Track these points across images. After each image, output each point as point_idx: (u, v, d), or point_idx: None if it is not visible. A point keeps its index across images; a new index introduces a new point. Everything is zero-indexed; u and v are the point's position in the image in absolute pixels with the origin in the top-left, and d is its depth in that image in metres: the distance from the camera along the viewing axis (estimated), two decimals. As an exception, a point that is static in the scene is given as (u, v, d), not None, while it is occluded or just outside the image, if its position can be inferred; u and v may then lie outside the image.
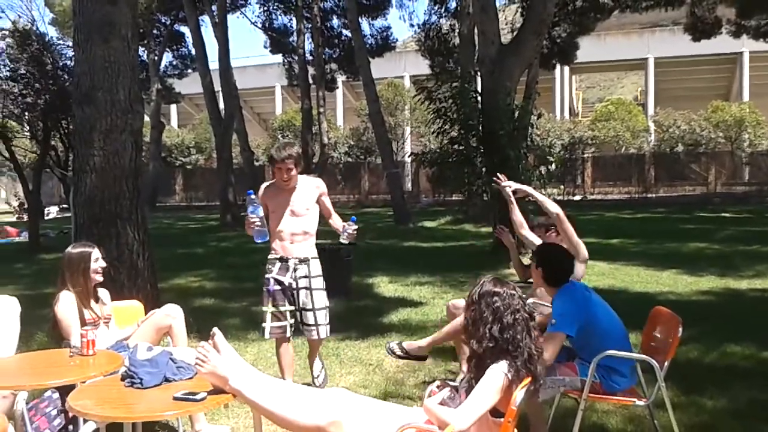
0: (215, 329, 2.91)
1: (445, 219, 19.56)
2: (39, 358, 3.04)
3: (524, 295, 2.73)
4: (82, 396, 2.45)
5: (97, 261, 3.90)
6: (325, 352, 5.62)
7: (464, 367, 3.02)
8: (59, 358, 2.86)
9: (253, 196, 4.15)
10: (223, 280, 9.94)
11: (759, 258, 10.61)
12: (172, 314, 3.93)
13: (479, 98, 11.29)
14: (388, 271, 9.92)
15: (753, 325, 6.23)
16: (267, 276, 4.33)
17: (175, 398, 2.35)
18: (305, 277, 4.32)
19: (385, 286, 8.88)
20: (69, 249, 3.91)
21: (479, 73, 12.05)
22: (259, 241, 4.18)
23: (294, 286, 4.30)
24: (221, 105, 20.59)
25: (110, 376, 2.74)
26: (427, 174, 27.42)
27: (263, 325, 4.35)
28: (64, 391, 3.67)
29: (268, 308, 4.32)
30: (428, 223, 18.42)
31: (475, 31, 16.29)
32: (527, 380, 2.52)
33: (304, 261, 4.33)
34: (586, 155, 30.70)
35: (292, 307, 4.35)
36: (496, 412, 2.50)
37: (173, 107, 43.14)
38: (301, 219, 4.31)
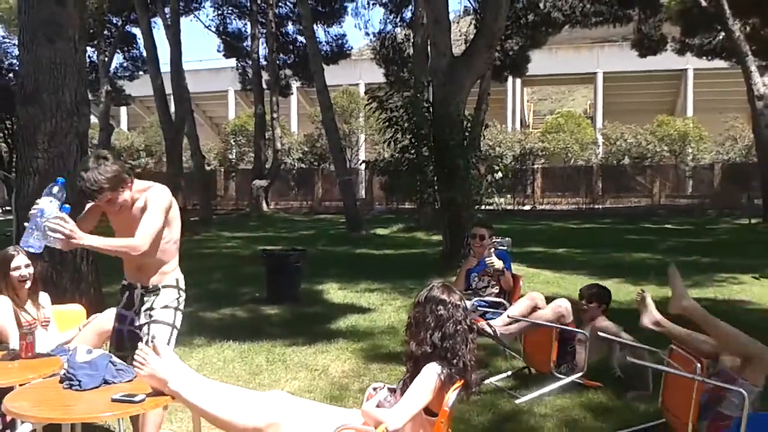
0: (154, 334, 2.94)
1: (398, 227, 19.67)
2: (-25, 361, 3.01)
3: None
4: (19, 398, 2.44)
5: (19, 269, 3.78)
6: (271, 358, 5.65)
7: None
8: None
9: (56, 189, 2.97)
10: (170, 285, 9.82)
11: (697, 269, 10.97)
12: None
13: (431, 108, 11.44)
14: (338, 277, 9.95)
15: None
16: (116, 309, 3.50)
17: (114, 400, 2.37)
18: (149, 309, 3.28)
19: (335, 292, 8.92)
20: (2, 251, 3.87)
21: (431, 84, 12.21)
22: (30, 249, 2.98)
23: (137, 322, 3.31)
24: (172, 108, 20.38)
25: (49, 379, 2.73)
26: (380, 182, 27.61)
27: None
28: (1, 394, 3.63)
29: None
30: (380, 231, 18.50)
31: (429, 41, 16.53)
32: (459, 383, 2.61)
33: (154, 291, 3.32)
34: (536, 166, 31.29)
35: None
36: (429, 411, 2.59)
37: (123, 109, 42.40)
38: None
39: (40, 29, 5.35)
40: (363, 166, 31.32)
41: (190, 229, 18.44)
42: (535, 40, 24.31)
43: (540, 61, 28.18)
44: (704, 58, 24.81)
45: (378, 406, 2.63)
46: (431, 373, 2.56)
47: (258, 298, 8.40)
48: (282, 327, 6.88)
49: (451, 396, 2.54)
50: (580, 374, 4.70)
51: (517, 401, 4.53)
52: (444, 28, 11.47)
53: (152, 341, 2.98)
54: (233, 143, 36.56)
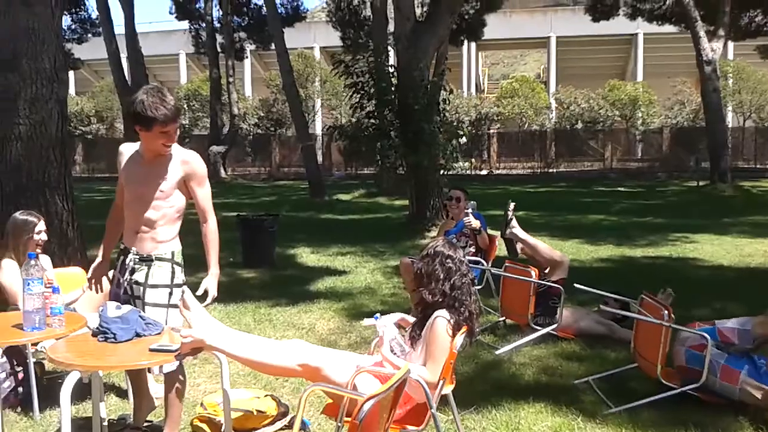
0: (184, 287, 3.10)
1: (359, 192, 19.87)
2: (-4, 320, 3.13)
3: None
4: (60, 350, 2.59)
5: (40, 234, 4.00)
6: (257, 318, 5.85)
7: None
8: (17, 320, 2.95)
9: (33, 262, 2.91)
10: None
11: (651, 228, 11.53)
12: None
13: (395, 73, 11.58)
14: (308, 242, 10.14)
15: (645, 287, 6.88)
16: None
17: (152, 350, 2.54)
18: (139, 284, 3.17)
19: (308, 256, 9.11)
20: (16, 215, 3.97)
21: (395, 49, 12.33)
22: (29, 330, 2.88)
23: (128, 292, 3.20)
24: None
25: (77, 334, 2.88)
26: (338, 147, 27.59)
27: None
28: (11, 354, 3.76)
29: None
30: (343, 196, 18.67)
31: (388, 4, 16.55)
32: (465, 328, 2.88)
33: (146, 261, 3.18)
34: (491, 131, 31.68)
35: None
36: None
37: (71, 74, 41.10)
38: (157, 203, 3.17)
39: (19, -6, 5.32)
40: (320, 132, 31.32)
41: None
42: (491, 3, 24.42)
43: (494, 25, 28.31)
44: (655, 22, 25.32)
45: (391, 350, 2.89)
46: (442, 323, 2.82)
47: (233, 262, 8.52)
48: (263, 289, 7.05)
49: (458, 340, 2.82)
50: (555, 326, 5.02)
51: (497, 352, 4.83)
52: (408, -7, 11.56)
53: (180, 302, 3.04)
54: (186, 108, 35.93)
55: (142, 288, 3.15)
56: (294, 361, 2.64)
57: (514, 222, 5.58)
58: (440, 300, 2.87)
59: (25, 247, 3.86)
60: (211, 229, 3.30)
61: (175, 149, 3.21)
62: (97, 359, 2.52)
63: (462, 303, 2.88)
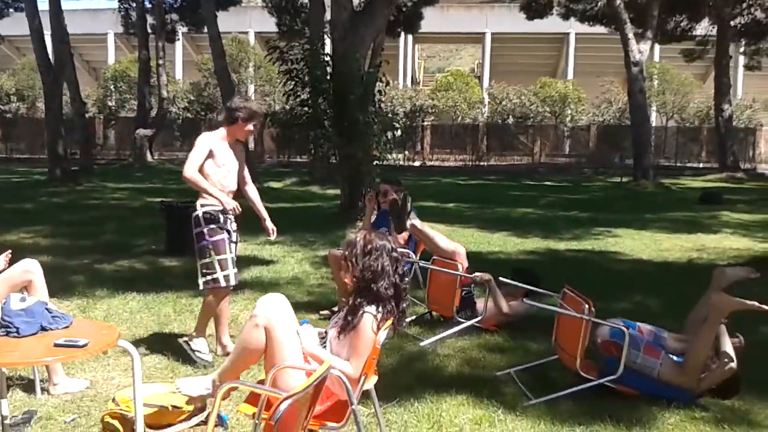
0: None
1: (291, 180, 19.65)
2: None
3: None
4: (-45, 346, 2.43)
5: None
6: (178, 308, 5.71)
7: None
8: None
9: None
10: (59, 237, 9.51)
11: (576, 222, 11.82)
12: (31, 269, 3.79)
13: (331, 62, 11.44)
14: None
15: (567, 279, 7.04)
16: (215, 226, 4.44)
17: (57, 345, 2.40)
18: (236, 231, 4.62)
19: (235, 244, 8.93)
20: None
21: (331, 38, 12.18)
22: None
23: (233, 238, 4.59)
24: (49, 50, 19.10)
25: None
26: (271, 134, 27.23)
27: (227, 272, 4.45)
28: None
29: (227, 255, 4.46)
30: (274, 184, 18.42)
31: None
32: (389, 322, 2.85)
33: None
34: (425, 123, 31.89)
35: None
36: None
37: (-10, 49, 39.17)
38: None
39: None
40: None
41: (71, 179, 17.66)
42: (429, -4, 24.56)
43: (432, 19, 28.50)
44: (586, 23, 26.01)
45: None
46: (369, 319, 2.79)
47: (155, 250, 8.29)
48: (185, 278, 6.82)
49: (381, 335, 2.79)
50: (479, 318, 5.07)
51: (422, 344, 4.85)
52: (345, -19, 11.43)
53: None
54: (113, 89, 34.72)
55: (236, 234, 4.66)
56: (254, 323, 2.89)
57: (413, 213, 5.66)
58: (375, 290, 2.86)
59: None
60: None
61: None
62: (-4, 355, 2.36)
63: (399, 295, 2.90)
